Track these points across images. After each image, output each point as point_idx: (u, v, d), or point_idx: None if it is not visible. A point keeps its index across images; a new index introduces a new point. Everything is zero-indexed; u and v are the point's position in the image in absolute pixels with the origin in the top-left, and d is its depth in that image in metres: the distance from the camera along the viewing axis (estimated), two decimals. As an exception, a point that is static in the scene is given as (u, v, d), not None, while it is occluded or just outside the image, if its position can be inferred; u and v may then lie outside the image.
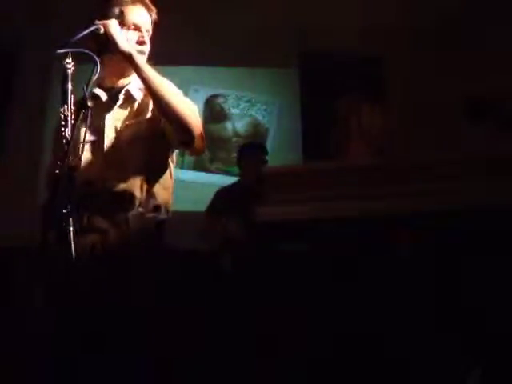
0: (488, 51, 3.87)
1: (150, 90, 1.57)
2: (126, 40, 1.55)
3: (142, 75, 1.56)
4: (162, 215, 1.65)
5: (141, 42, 1.66)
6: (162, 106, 1.56)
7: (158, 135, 1.63)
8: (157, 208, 1.63)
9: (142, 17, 1.69)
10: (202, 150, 1.69)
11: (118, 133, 1.64)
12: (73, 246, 1.32)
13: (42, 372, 1.46)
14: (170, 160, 1.74)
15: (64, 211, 1.33)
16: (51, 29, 3.85)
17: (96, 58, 1.46)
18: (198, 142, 1.63)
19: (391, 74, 4.33)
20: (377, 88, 4.29)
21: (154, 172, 1.66)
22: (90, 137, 1.57)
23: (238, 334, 2.47)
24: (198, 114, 1.67)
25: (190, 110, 1.61)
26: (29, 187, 3.80)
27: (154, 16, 1.74)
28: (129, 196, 1.58)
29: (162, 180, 1.67)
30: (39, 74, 4.18)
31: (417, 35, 4.09)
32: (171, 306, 1.70)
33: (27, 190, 3.79)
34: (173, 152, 1.74)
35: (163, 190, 1.67)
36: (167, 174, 1.71)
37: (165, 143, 1.65)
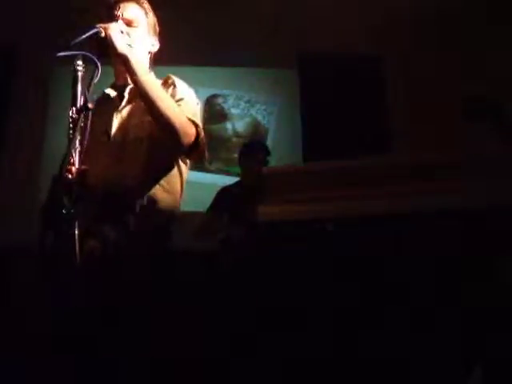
0: (488, 51, 3.87)
1: (141, 94, 1.55)
2: (124, 43, 1.53)
3: (134, 78, 1.54)
4: (163, 220, 1.62)
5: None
6: (153, 112, 1.54)
7: (160, 136, 1.59)
8: (159, 212, 1.60)
9: (132, 12, 1.67)
10: (202, 154, 1.67)
11: (124, 132, 1.63)
12: (77, 248, 1.31)
13: (42, 372, 1.46)
14: (181, 163, 1.70)
15: (65, 213, 1.32)
16: (51, 29, 3.86)
17: (97, 61, 1.45)
18: (198, 148, 1.62)
19: (391, 74, 4.33)
20: (377, 88, 4.30)
21: (156, 175, 1.62)
22: (99, 136, 1.60)
23: (238, 333, 2.47)
24: (191, 123, 1.61)
25: (181, 118, 1.56)
26: (29, 187, 3.80)
27: (149, 12, 1.73)
28: (129, 199, 1.56)
29: (166, 183, 1.63)
30: (39, 74, 4.18)
31: (417, 35, 4.09)
32: (171, 307, 1.70)
33: (27, 190, 3.79)
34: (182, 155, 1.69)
35: (167, 194, 1.62)
36: (175, 177, 1.67)
37: (168, 145, 1.61)
